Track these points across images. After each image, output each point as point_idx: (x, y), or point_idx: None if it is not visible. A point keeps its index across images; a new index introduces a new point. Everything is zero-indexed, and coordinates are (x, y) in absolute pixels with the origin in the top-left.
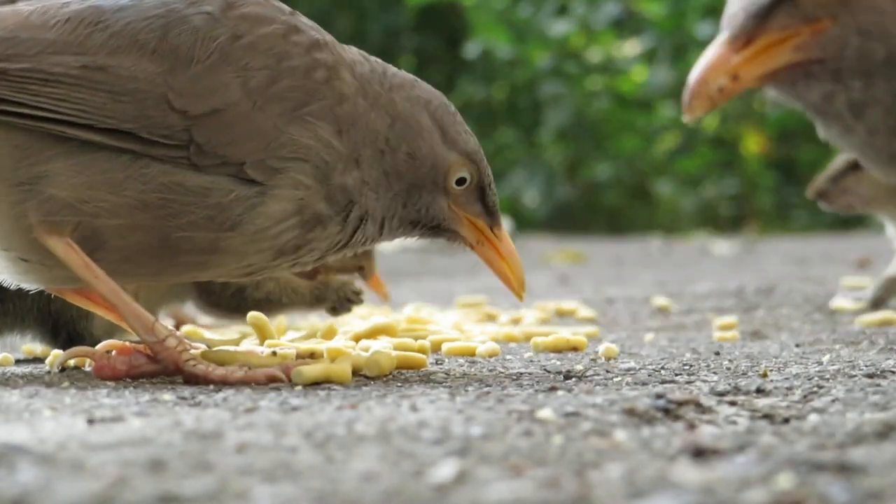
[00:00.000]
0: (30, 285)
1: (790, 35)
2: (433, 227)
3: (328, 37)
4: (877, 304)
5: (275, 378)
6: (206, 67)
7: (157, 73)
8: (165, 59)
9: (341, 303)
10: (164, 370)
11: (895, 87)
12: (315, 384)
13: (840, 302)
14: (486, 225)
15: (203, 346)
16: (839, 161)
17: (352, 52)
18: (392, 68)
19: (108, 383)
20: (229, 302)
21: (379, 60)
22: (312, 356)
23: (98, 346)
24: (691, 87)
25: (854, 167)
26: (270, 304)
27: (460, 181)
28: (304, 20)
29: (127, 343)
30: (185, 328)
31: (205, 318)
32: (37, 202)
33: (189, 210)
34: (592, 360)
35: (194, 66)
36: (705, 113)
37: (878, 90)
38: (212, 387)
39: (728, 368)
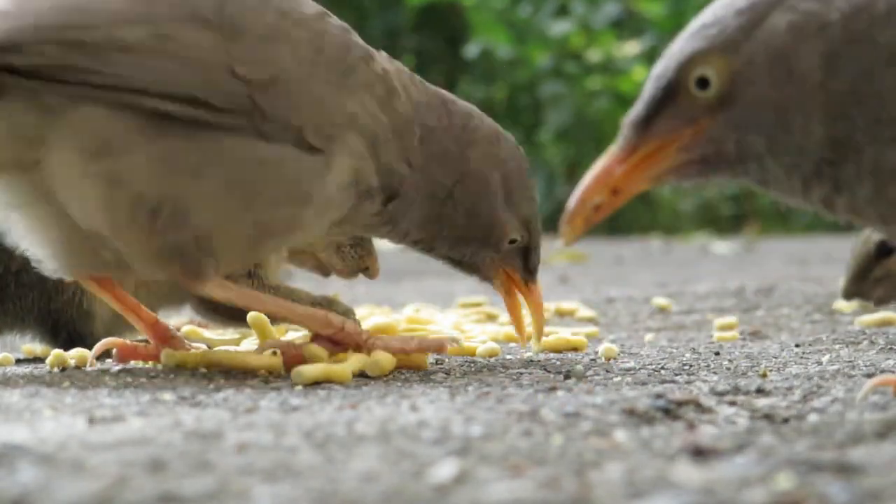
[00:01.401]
0: (85, 269)
1: (673, 139)
2: (468, 267)
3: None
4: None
5: (441, 347)
6: (260, 37)
7: (218, 43)
8: (224, 30)
9: None
10: (344, 350)
11: (786, 165)
12: (315, 384)
13: (840, 302)
14: (521, 280)
15: (203, 346)
16: (858, 255)
17: (427, 94)
18: (476, 120)
19: (109, 383)
20: (224, 307)
21: (468, 110)
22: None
23: (97, 345)
24: (569, 209)
25: (876, 257)
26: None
27: (510, 241)
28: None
29: (127, 342)
30: (185, 328)
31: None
32: (125, 195)
33: (268, 185)
34: (592, 360)
35: (250, 37)
36: (580, 236)
37: (771, 173)
38: (212, 387)
39: (728, 368)
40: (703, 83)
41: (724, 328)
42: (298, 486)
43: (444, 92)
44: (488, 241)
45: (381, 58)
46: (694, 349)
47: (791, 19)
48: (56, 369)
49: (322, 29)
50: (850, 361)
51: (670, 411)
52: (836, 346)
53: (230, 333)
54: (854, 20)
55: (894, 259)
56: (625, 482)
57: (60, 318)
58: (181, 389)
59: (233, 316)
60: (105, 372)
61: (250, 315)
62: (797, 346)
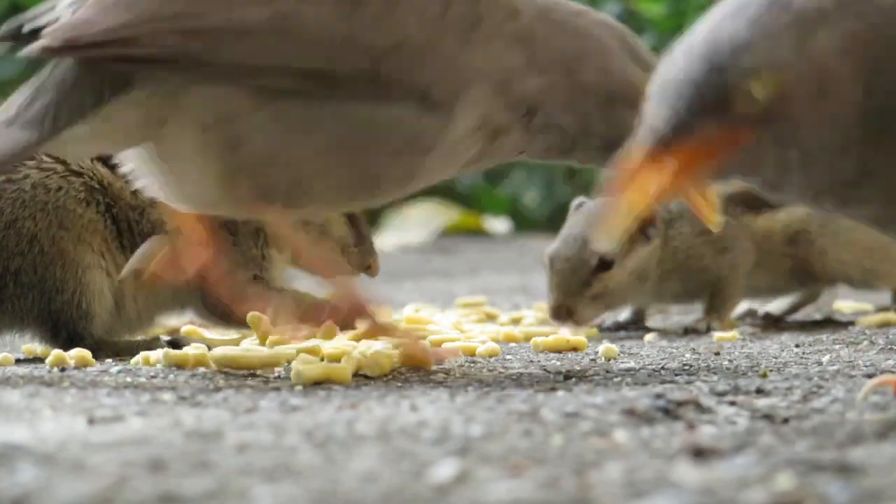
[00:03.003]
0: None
1: (709, 148)
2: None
3: None
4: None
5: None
6: (384, 5)
7: (339, 15)
8: (345, 2)
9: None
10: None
11: (811, 180)
12: (315, 384)
13: (841, 302)
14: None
15: (203, 346)
16: (569, 268)
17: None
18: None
19: (109, 383)
20: (231, 311)
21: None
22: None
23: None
24: (609, 213)
25: (595, 270)
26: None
27: None
28: None
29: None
30: (185, 328)
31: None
32: (238, 160)
33: (385, 141)
34: (592, 360)
35: (373, 6)
36: (616, 243)
37: (793, 184)
38: (212, 387)
39: (728, 368)
40: (752, 97)
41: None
42: (298, 486)
43: None
44: (631, 99)
45: None
46: (694, 349)
47: (836, 39)
48: (56, 369)
49: None
50: (850, 361)
51: (670, 411)
52: (836, 347)
53: (230, 334)
54: (892, 42)
55: (613, 273)
56: (625, 482)
57: (60, 318)
58: (181, 389)
59: (232, 317)
60: (105, 372)
61: (250, 315)
62: (797, 346)
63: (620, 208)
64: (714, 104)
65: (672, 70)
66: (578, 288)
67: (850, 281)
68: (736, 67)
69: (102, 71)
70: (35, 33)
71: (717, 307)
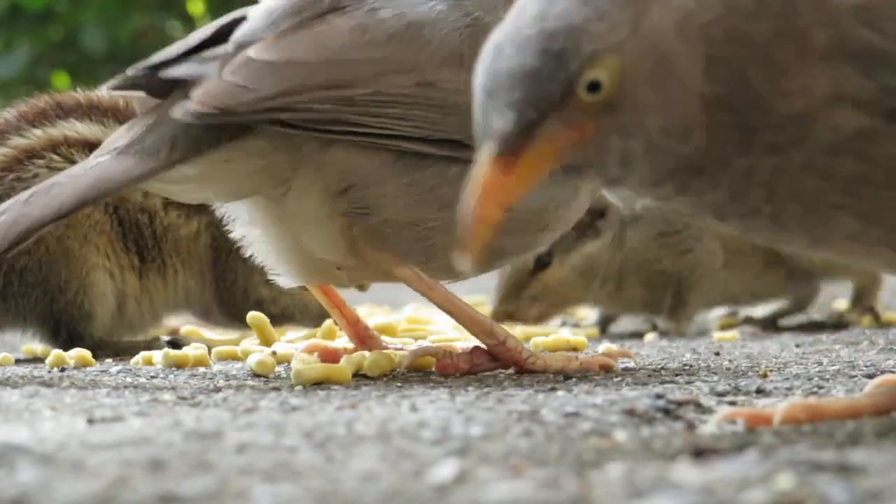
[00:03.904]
0: (312, 282)
1: (555, 145)
2: None
3: None
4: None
5: (608, 366)
6: None
7: (469, 82)
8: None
9: None
10: (502, 366)
11: (654, 168)
12: (315, 384)
13: (841, 302)
14: None
15: (203, 347)
16: (509, 271)
17: None
18: None
19: (109, 383)
20: (247, 315)
21: None
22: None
23: (303, 347)
24: (465, 233)
25: (533, 271)
26: (284, 319)
27: None
28: None
29: (328, 345)
30: (185, 328)
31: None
32: (368, 225)
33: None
34: None
35: None
36: (484, 263)
37: (636, 175)
38: (212, 387)
39: (728, 368)
40: (594, 86)
41: (723, 328)
42: (298, 486)
43: None
44: None
45: None
46: (694, 349)
47: (673, 16)
48: (56, 369)
49: None
50: (850, 361)
51: (670, 411)
52: (837, 347)
53: (230, 334)
54: (730, 17)
55: (550, 272)
56: (625, 482)
57: (62, 318)
58: (181, 389)
59: (232, 319)
60: (105, 372)
61: (250, 315)
62: (797, 346)
63: (475, 224)
64: (557, 98)
65: (502, 61)
66: (517, 290)
67: (814, 269)
68: (576, 55)
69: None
70: (160, 80)
71: (674, 309)
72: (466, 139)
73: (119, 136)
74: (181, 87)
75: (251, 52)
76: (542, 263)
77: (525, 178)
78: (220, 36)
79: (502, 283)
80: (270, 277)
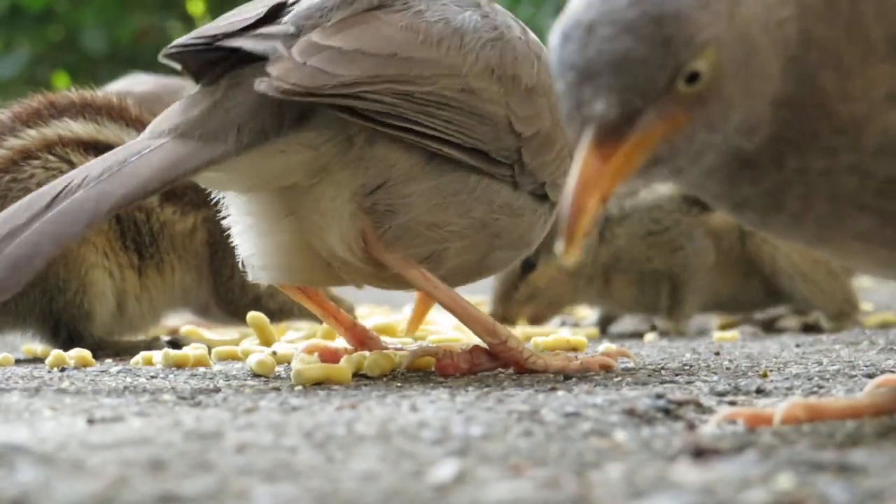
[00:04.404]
0: (302, 279)
1: (649, 137)
2: None
3: None
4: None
5: (608, 366)
6: (528, 91)
7: (501, 96)
8: (504, 82)
9: None
10: (501, 366)
11: (720, 158)
12: (315, 384)
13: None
14: None
15: (203, 347)
16: (502, 275)
17: None
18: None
19: (109, 383)
20: (245, 310)
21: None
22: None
23: (303, 347)
24: (567, 222)
25: (521, 274)
26: (282, 314)
27: None
28: None
29: (328, 345)
30: (185, 328)
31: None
32: (390, 224)
33: (510, 229)
34: None
35: (521, 90)
36: (581, 252)
37: (704, 168)
38: (212, 387)
39: (728, 368)
40: (693, 77)
41: (723, 328)
42: (298, 486)
43: None
44: None
45: None
46: (694, 349)
47: (760, 10)
48: (56, 369)
49: None
50: (850, 361)
51: (670, 411)
52: (837, 347)
53: (230, 333)
54: (803, 17)
55: (538, 273)
56: (625, 482)
57: (62, 317)
58: (181, 389)
59: (230, 315)
60: (105, 372)
61: (250, 315)
62: (797, 346)
63: (577, 215)
64: (664, 86)
65: (598, 42)
66: (509, 293)
67: (796, 290)
68: (687, 44)
69: (285, 103)
70: (214, 50)
71: (672, 309)
72: (492, 151)
73: (170, 117)
74: (233, 67)
75: (315, 36)
76: (528, 265)
77: (623, 167)
78: (270, 16)
79: (498, 287)
80: (243, 271)
